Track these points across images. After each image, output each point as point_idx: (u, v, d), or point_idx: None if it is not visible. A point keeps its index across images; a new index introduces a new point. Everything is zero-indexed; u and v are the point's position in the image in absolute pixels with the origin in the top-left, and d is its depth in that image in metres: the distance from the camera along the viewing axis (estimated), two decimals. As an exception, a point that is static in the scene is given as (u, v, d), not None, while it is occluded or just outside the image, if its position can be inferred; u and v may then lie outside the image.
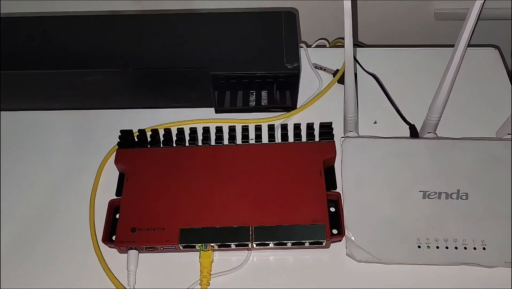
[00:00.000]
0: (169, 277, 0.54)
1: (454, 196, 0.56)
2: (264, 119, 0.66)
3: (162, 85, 0.64)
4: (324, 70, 0.71)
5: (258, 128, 0.62)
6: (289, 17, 0.65)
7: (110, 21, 0.65)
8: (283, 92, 0.64)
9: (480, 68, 0.72)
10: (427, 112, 0.60)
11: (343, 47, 0.50)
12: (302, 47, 0.74)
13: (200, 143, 0.62)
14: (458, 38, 0.50)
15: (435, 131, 0.62)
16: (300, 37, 0.74)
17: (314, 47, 0.79)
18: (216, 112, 0.67)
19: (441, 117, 0.60)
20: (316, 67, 0.72)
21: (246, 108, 0.66)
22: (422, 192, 0.56)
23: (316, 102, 0.68)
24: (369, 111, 0.67)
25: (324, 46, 0.80)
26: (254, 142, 0.61)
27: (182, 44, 0.63)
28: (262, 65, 0.60)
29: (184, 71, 0.60)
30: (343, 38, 0.81)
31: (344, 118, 0.60)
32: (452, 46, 0.52)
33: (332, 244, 0.56)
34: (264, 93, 0.65)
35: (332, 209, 0.57)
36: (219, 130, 0.62)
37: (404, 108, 0.67)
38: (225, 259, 0.55)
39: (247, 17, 0.65)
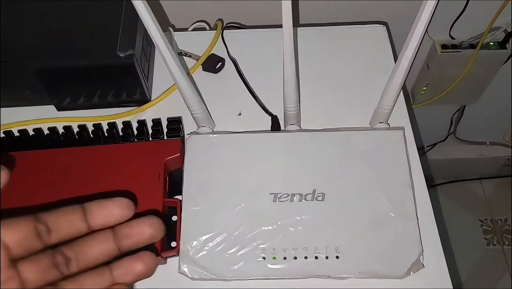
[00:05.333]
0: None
1: (309, 197, 0.49)
2: (112, 115, 0.57)
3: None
4: (190, 56, 0.63)
5: (97, 127, 0.54)
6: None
7: None
8: (133, 83, 0.56)
9: (366, 46, 0.65)
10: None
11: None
12: (169, 32, 0.66)
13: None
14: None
15: (298, 122, 0.54)
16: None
17: (191, 30, 0.70)
18: (58, 109, 0.58)
19: (299, 106, 0.52)
20: (180, 53, 0.64)
21: (92, 104, 0.58)
22: (272, 195, 0.49)
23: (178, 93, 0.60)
24: (234, 102, 0.60)
25: (204, 29, 0.72)
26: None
27: (6, 32, 0.54)
28: (89, 54, 0.52)
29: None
30: (221, 20, 0.73)
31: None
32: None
33: (170, 260, 0.49)
34: (110, 86, 0.56)
35: (175, 218, 0.50)
36: (52, 130, 0.54)
37: (274, 97, 0.59)
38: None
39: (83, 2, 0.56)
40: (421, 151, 1.22)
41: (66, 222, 0.25)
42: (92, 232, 0.27)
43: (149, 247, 0.46)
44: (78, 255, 0.26)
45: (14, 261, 0.23)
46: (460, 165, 1.31)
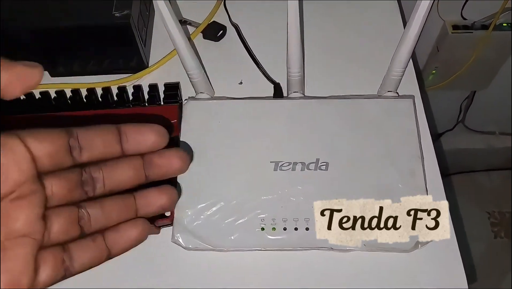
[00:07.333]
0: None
1: (311, 166, 0.46)
2: (108, 82, 0.55)
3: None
4: (190, 24, 0.60)
5: (91, 92, 0.51)
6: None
7: None
8: (129, 47, 0.53)
9: (376, 21, 0.62)
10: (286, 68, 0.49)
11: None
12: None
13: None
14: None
15: (302, 90, 0.52)
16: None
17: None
18: (52, 75, 0.56)
19: (303, 72, 0.50)
20: (180, 21, 0.61)
21: (86, 70, 0.55)
22: (273, 163, 0.47)
23: (176, 60, 0.57)
24: (235, 70, 0.57)
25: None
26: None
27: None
28: (84, 14, 0.49)
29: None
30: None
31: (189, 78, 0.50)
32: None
33: (163, 230, 0.46)
34: (105, 50, 0.54)
35: (170, 186, 0.47)
36: (44, 95, 0.51)
37: (277, 65, 0.56)
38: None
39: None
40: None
41: (100, 142, 0.23)
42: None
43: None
44: (106, 177, 0.24)
45: (41, 175, 0.21)
46: (467, 155, 1.27)
